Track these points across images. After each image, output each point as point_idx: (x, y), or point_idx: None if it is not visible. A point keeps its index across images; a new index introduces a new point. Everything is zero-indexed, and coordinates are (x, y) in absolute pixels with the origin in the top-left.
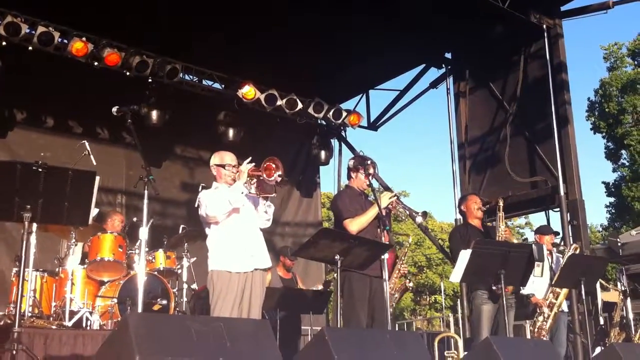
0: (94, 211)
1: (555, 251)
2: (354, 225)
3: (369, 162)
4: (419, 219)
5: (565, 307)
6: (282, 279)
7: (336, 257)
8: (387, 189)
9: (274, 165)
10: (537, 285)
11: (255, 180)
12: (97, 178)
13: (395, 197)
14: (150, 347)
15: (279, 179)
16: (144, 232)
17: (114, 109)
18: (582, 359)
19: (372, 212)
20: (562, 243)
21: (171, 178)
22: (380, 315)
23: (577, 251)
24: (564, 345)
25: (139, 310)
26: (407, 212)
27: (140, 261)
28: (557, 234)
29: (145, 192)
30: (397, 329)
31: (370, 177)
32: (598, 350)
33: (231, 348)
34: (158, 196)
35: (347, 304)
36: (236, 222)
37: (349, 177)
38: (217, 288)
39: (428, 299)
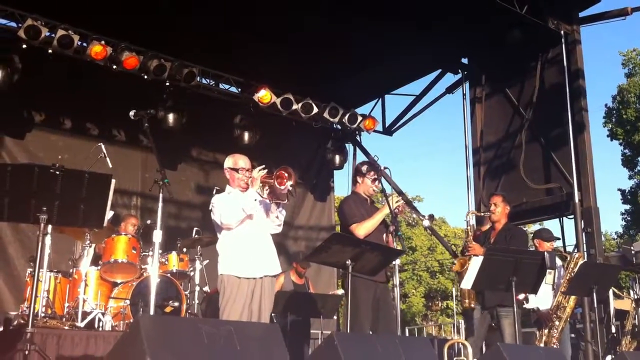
0: (109, 213)
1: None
2: (362, 229)
3: (376, 167)
4: (426, 223)
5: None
6: (295, 284)
7: (347, 262)
8: (400, 193)
9: (286, 174)
10: (541, 295)
11: (267, 187)
12: (113, 181)
13: (402, 202)
14: (161, 349)
15: (290, 188)
16: (157, 235)
17: (131, 113)
18: None
19: (379, 216)
20: (573, 250)
21: (186, 181)
22: (386, 321)
23: (581, 260)
24: (569, 351)
25: (151, 312)
26: (414, 216)
27: (153, 264)
28: (557, 239)
29: (160, 195)
30: (407, 334)
31: (376, 183)
32: (609, 358)
33: (241, 351)
34: (173, 199)
35: (352, 309)
36: (247, 228)
37: (355, 182)
38: (227, 292)
39: (440, 305)
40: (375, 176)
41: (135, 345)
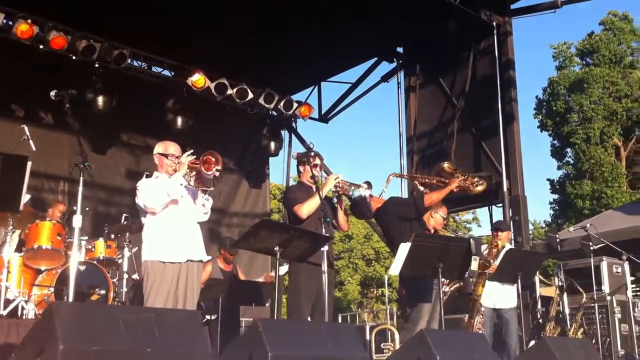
0: (25, 197)
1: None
2: (304, 209)
3: (312, 154)
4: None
5: (513, 304)
6: (223, 271)
7: (275, 249)
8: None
9: (213, 159)
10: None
11: (194, 172)
12: (29, 163)
13: (341, 178)
14: (76, 337)
15: (217, 174)
16: (77, 220)
17: (52, 93)
18: (517, 352)
19: (318, 196)
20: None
21: (116, 165)
22: (320, 306)
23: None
24: (515, 342)
25: (70, 299)
26: (354, 188)
27: (73, 249)
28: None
29: (81, 178)
30: (340, 321)
31: (314, 168)
32: (532, 343)
33: (160, 338)
34: (101, 184)
35: (292, 295)
36: (173, 213)
37: (299, 173)
38: (151, 278)
39: (375, 292)
40: (312, 161)
41: (49, 331)
